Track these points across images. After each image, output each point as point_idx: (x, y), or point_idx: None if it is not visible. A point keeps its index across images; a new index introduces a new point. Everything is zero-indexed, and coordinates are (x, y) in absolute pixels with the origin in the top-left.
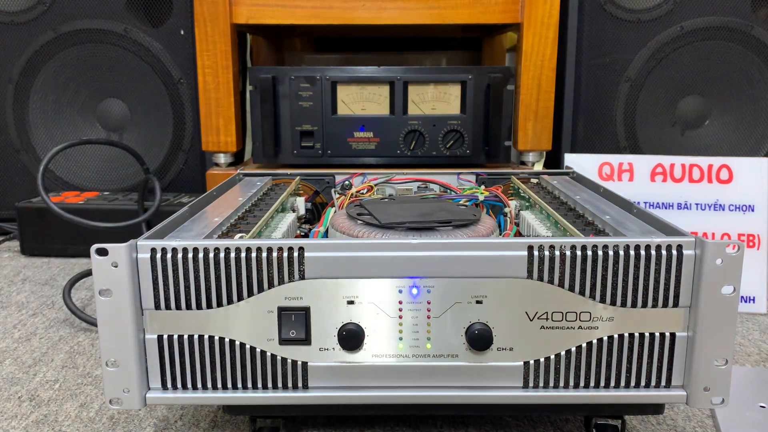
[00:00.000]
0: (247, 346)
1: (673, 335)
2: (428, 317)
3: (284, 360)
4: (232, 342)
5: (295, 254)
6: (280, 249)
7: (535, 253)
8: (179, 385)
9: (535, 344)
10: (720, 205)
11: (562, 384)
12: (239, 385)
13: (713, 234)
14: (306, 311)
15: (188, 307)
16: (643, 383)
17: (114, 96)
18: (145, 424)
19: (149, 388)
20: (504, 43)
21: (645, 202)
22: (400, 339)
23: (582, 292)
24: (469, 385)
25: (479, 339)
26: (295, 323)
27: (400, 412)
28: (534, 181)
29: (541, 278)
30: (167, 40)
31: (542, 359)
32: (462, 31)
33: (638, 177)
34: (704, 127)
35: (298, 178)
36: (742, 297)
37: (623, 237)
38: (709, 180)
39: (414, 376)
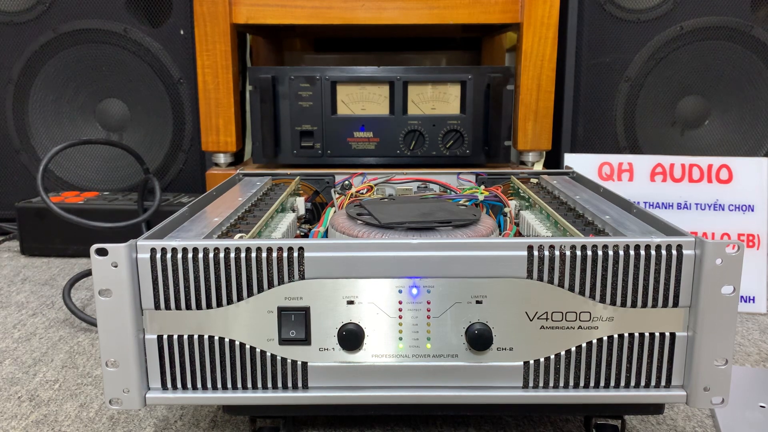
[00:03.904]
0: (247, 346)
1: (673, 335)
2: (428, 317)
3: (284, 360)
4: (231, 342)
5: (295, 254)
6: (280, 249)
7: (535, 253)
8: (179, 385)
9: (535, 344)
10: (720, 205)
11: (562, 384)
12: (239, 385)
13: (713, 234)
14: (306, 311)
15: (188, 307)
16: (642, 383)
17: (114, 96)
18: (145, 424)
19: (149, 388)
20: (504, 43)
21: (645, 202)
22: (400, 339)
23: (582, 292)
24: (469, 385)
25: (479, 339)
26: (295, 323)
27: (400, 412)
28: (534, 181)
29: (541, 278)
30: (167, 40)
31: (542, 359)
32: (462, 31)
33: (638, 177)
34: (704, 127)
35: (297, 178)
36: (742, 297)
37: (623, 237)
38: (709, 180)
39: (414, 376)
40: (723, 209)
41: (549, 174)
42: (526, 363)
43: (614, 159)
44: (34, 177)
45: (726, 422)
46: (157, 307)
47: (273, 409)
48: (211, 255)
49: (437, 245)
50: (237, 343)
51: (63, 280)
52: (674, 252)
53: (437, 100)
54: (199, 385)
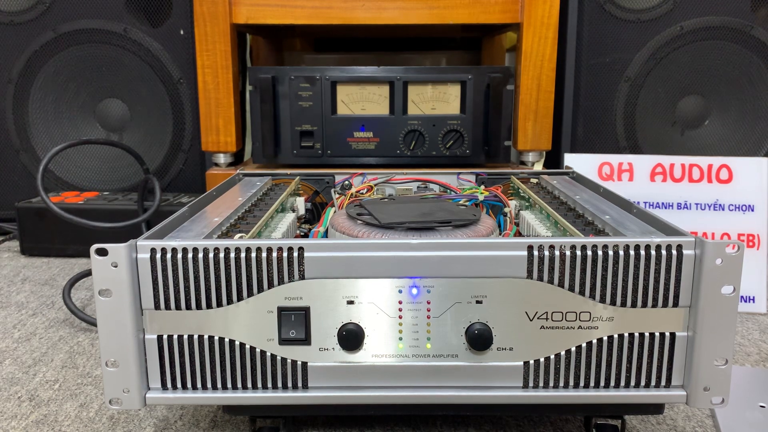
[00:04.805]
0: (247, 346)
1: (673, 335)
2: (428, 317)
3: (284, 360)
4: (232, 342)
5: (295, 254)
6: (280, 249)
7: (535, 253)
8: (179, 385)
9: (535, 344)
10: (720, 205)
11: (562, 384)
12: (239, 385)
13: (713, 234)
14: (306, 311)
15: (188, 307)
16: (643, 383)
17: (114, 96)
18: (145, 424)
19: (149, 388)
20: (504, 43)
21: (645, 202)
22: (400, 339)
23: (582, 292)
24: (469, 385)
25: (479, 339)
26: (295, 323)
27: (400, 412)
28: (534, 181)
29: (541, 278)
30: (167, 40)
31: (542, 359)
32: (462, 31)
33: (638, 177)
34: (704, 127)
35: (297, 178)
36: (742, 297)
37: (623, 237)
38: (709, 180)
39: (414, 376)
40: (723, 209)
41: (549, 174)
42: (526, 363)
43: (614, 159)
44: (34, 177)
45: (726, 422)
46: (157, 307)
47: (273, 409)
48: (211, 255)
49: (437, 245)
50: (237, 343)
51: (63, 280)
52: (674, 252)
53: (437, 100)
54: (199, 385)
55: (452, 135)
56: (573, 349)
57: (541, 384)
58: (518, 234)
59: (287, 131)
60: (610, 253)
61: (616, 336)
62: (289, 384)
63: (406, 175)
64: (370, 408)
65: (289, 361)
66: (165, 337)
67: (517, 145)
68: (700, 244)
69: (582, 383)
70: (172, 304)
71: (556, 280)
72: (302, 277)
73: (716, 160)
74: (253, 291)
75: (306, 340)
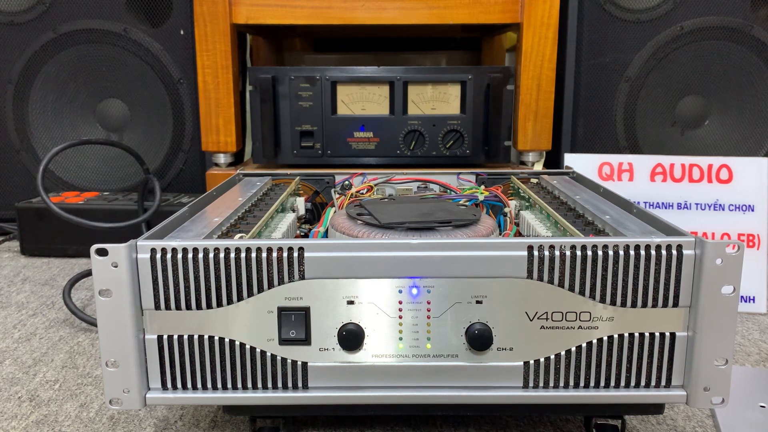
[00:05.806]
0: (247, 346)
1: (673, 335)
2: (428, 317)
3: (284, 360)
4: (232, 342)
5: (295, 254)
6: (280, 249)
7: (535, 253)
8: (179, 385)
9: (535, 344)
10: (720, 205)
11: (562, 384)
12: (239, 385)
13: (713, 234)
14: (306, 311)
15: (188, 307)
16: (643, 383)
17: (114, 96)
18: (145, 424)
19: (149, 389)
20: (504, 43)
21: (645, 202)
22: (400, 339)
23: (582, 292)
24: (469, 385)
25: (479, 339)
26: (295, 323)
27: (400, 412)
28: (534, 181)
29: (541, 278)
30: (167, 40)
31: (542, 359)
32: (462, 31)
33: (638, 177)
34: (704, 127)
35: (297, 178)
36: (742, 297)
37: (623, 237)
38: (709, 180)
39: (414, 376)
40: (723, 209)
41: (549, 174)
42: (526, 363)
43: (614, 159)
44: (34, 177)
45: (726, 422)
46: (157, 307)
47: (273, 409)
48: (211, 255)
49: (437, 245)
50: (237, 343)
51: (63, 280)
52: (674, 252)
53: (437, 100)
54: (199, 385)
55: (452, 135)
56: (573, 349)
57: (541, 384)
58: (518, 234)
59: (287, 131)
60: (610, 253)
61: (616, 336)
62: (289, 384)
63: (406, 175)
64: (370, 408)
65: (289, 361)
66: (165, 337)
67: (517, 145)
68: (700, 244)
69: (582, 383)
70: (172, 304)
71: (556, 280)
72: (302, 277)
73: (716, 160)
74: (253, 291)
75: (306, 340)
